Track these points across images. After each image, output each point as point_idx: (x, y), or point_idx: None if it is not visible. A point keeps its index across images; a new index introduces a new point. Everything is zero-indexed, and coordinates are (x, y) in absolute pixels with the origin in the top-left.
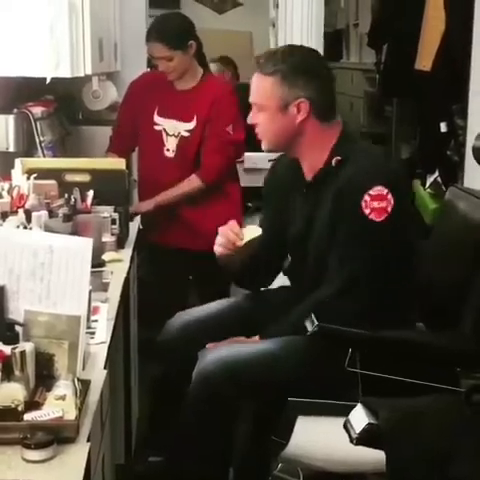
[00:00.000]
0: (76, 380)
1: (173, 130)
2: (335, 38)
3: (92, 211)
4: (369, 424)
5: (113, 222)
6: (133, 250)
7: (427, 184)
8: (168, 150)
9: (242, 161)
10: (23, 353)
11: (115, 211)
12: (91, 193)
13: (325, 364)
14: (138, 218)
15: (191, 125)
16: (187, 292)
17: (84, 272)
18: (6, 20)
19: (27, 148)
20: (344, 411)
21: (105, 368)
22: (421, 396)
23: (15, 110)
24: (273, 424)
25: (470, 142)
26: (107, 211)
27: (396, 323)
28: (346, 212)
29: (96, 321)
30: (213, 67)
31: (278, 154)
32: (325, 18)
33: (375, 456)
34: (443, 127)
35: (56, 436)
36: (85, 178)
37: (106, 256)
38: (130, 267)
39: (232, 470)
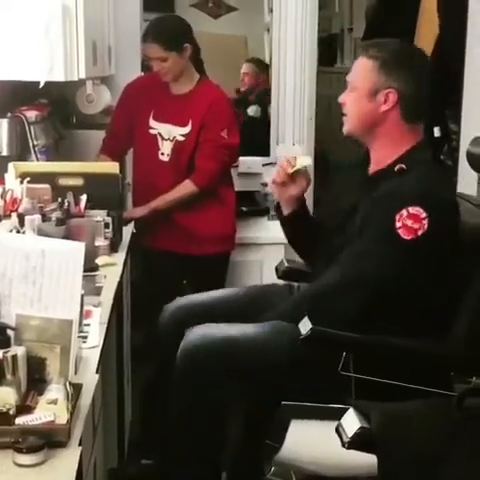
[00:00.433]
0: (68, 384)
1: (168, 134)
2: (329, 43)
3: (85, 215)
4: (361, 428)
5: (106, 226)
6: (126, 254)
7: None
8: (163, 154)
9: (237, 166)
10: (15, 357)
11: (108, 215)
12: (84, 197)
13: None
14: (132, 222)
15: (186, 129)
16: (181, 296)
17: (76, 276)
18: (0, 24)
19: (21, 152)
20: (337, 415)
21: (97, 372)
22: (413, 400)
23: (9, 114)
24: (265, 427)
25: (464, 147)
26: (100, 215)
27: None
28: (379, 217)
29: (89, 325)
30: (246, 68)
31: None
32: (319, 23)
33: (368, 460)
34: (436, 132)
35: (48, 440)
36: (78, 182)
37: (99, 260)
38: (123, 271)
39: (225, 473)
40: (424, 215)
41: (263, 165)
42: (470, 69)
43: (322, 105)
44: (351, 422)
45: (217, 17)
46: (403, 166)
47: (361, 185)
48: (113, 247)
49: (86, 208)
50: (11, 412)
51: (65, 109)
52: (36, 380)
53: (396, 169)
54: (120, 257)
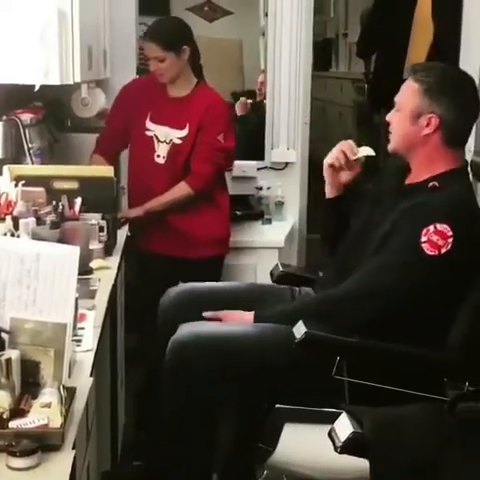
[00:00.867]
0: (62, 388)
1: (165, 137)
2: (324, 47)
3: (80, 218)
4: (354, 433)
5: (101, 229)
6: (121, 257)
7: None
8: (158, 156)
9: (231, 170)
10: (9, 360)
11: (103, 218)
12: (79, 200)
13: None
14: (126, 226)
15: (184, 132)
16: None
17: (71, 280)
18: None
19: (15, 155)
20: (331, 419)
21: (91, 376)
22: (406, 405)
23: (4, 117)
24: (258, 430)
25: None
26: (95, 218)
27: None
28: (405, 230)
29: (83, 328)
30: (264, 77)
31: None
32: (314, 27)
33: (360, 464)
34: None
35: (41, 444)
36: (73, 185)
37: (94, 263)
38: (117, 274)
39: (216, 475)
40: (450, 234)
41: (258, 169)
42: None
43: (317, 109)
44: (344, 426)
45: (212, 21)
46: (436, 184)
47: (391, 195)
48: (107, 250)
49: (81, 211)
50: (5, 415)
51: (60, 112)
52: (30, 383)
53: (429, 186)
54: (114, 260)
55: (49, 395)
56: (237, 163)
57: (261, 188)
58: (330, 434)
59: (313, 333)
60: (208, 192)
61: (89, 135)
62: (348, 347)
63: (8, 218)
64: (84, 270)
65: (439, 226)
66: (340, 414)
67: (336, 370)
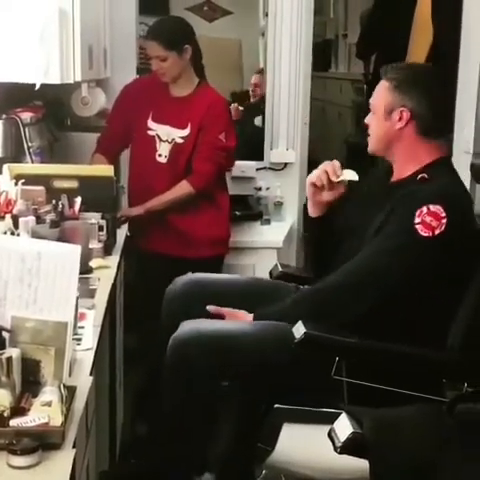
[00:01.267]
0: (62, 386)
1: (167, 136)
2: (324, 48)
3: (80, 217)
4: (353, 433)
5: (100, 229)
6: (120, 257)
7: None
8: (160, 156)
9: (230, 170)
10: (9, 359)
11: (103, 218)
12: (79, 199)
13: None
14: (126, 225)
15: (185, 132)
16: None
17: (72, 279)
18: None
19: (15, 154)
20: (330, 419)
21: (91, 375)
22: (405, 406)
23: (4, 115)
24: (257, 429)
25: (456, 154)
26: (95, 218)
27: (394, 335)
28: (398, 215)
29: (83, 327)
30: (257, 78)
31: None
32: (314, 28)
33: (360, 465)
34: None
35: (42, 442)
36: (73, 184)
37: (93, 263)
38: (117, 274)
39: (214, 475)
40: (443, 215)
41: (257, 169)
42: (463, 77)
43: (316, 110)
44: (344, 427)
45: (212, 21)
46: (425, 175)
47: (379, 196)
48: (107, 250)
49: (80, 210)
50: (5, 414)
51: (60, 111)
52: (30, 382)
53: (418, 178)
54: (114, 260)
55: (50, 394)
56: (236, 163)
57: (260, 188)
58: (330, 434)
59: (312, 333)
60: (209, 192)
61: (89, 134)
62: (347, 347)
63: (8, 217)
64: (84, 269)
65: (432, 207)
66: (339, 414)
67: (335, 370)
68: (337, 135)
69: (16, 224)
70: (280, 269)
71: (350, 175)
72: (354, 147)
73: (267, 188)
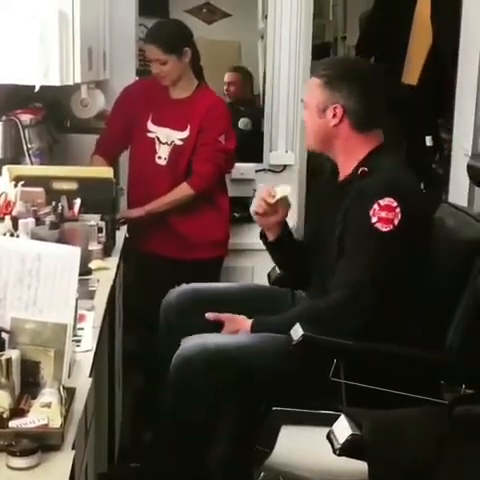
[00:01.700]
0: (61, 388)
1: (166, 138)
2: (323, 50)
3: (79, 219)
4: (352, 435)
5: (100, 230)
6: (119, 258)
7: None
8: (160, 158)
9: (230, 172)
10: (9, 360)
11: (102, 219)
12: (78, 201)
13: (307, 371)
14: (125, 227)
15: (185, 134)
16: None
17: (71, 281)
18: None
19: (15, 155)
20: (328, 421)
21: (90, 376)
22: (404, 408)
23: (3, 117)
24: (255, 431)
25: (455, 156)
26: (94, 219)
27: (393, 337)
28: (355, 219)
29: (82, 329)
30: (230, 77)
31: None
32: (313, 30)
33: (359, 467)
34: (428, 141)
35: (41, 444)
36: (72, 186)
37: (93, 264)
38: (116, 275)
39: (214, 478)
40: (396, 204)
41: (256, 171)
42: (462, 79)
43: None
44: (342, 429)
45: (211, 23)
46: (365, 169)
47: (331, 196)
48: (106, 251)
49: (80, 212)
50: (5, 415)
51: (59, 113)
52: (30, 383)
53: (359, 173)
54: (113, 261)
55: (49, 395)
56: (236, 165)
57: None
58: (329, 436)
59: (310, 335)
60: (209, 194)
61: (88, 136)
62: (344, 349)
63: (7, 218)
64: (83, 271)
65: (382, 201)
66: (337, 416)
67: (333, 372)
68: None
69: (15, 226)
70: (278, 271)
71: (283, 191)
72: None
73: None
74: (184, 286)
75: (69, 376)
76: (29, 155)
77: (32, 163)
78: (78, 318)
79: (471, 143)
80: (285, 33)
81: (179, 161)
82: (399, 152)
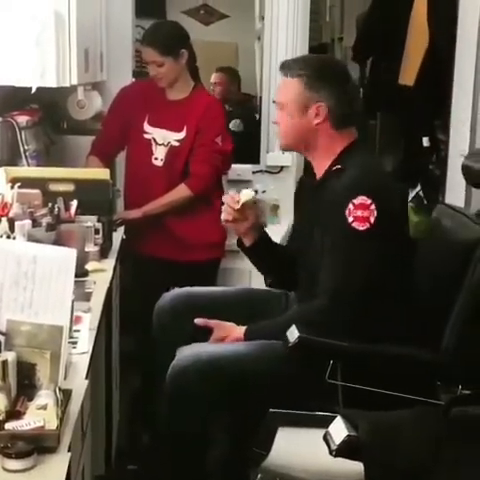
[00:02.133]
0: (58, 390)
1: (163, 139)
2: (320, 52)
3: (76, 221)
4: (348, 436)
5: (96, 232)
6: (116, 260)
7: (409, 198)
8: (156, 159)
9: (226, 173)
10: (5, 362)
11: (98, 221)
12: (75, 203)
13: (304, 375)
14: (122, 228)
15: (181, 135)
16: None
17: (67, 283)
18: None
19: (11, 157)
20: (325, 422)
21: (87, 378)
22: (400, 409)
23: (0, 119)
24: (251, 434)
25: (452, 157)
26: (91, 221)
27: (389, 338)
28: (331, 220)
29: (78, 331)
30: (217, 77)
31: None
32: (310, 32)
33: (355, 468)
34: (425, 142)
35: (37, 446)
36: (69, 188)
37: (89, 266)
38: (113, 277)
39: None
40: (369, 201)
41: (253, 173)
42: (459, 80)
43: None
44: (339, 430)
45: (208, 24)
46: (339, 166)
47: (309, 196)
48: (103, 253)
49: (76, 214)
50: (1, 417)
51: (56, 115)
52: (26, 385)
53: (334, 170)
54: (110, 263)
55: (45, 397)
56: (232, 167)
57: (256, 191)
58: (325, 437)
59: (306, 337)
60: (206, 195)
61: (85, 137)
62: (341, 350)
63: (4, 220)
64: (79, 272)
65: (355, 201)
66: (334, 418)
67: (330, 374)
68: None
69: (12, 227)
70: None
71: (246, 195)
72: None
73: (263, 191)
74: (177, 290)
75: (65, 378)
76: (26, 157)
77: (29, 165)
78: (74, 320)
79: (468, 144)
80: (282, 34)
81: (176, 162)
82: (369, 147)
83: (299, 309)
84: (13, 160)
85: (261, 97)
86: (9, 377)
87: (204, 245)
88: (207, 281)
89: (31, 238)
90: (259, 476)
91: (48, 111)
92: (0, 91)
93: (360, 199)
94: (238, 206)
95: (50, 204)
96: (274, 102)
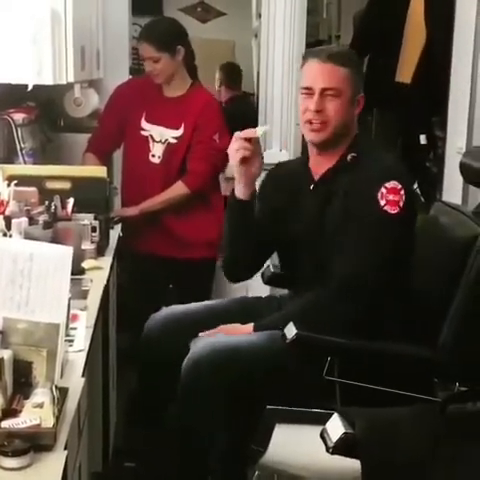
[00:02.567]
0: (54, 388)
1: (160, 136)
2: None
3: (72, 218)
4: (345, 433)
5: (93, 230)
6: (113, 258)
7: None
8: (153, 156)
9: (224, 171)
10: (1, 360)
11: (95, 219)
12: (71, 200)
13: (302, 372)
14: (119, 226)
15: (179, 132)
16: (167, 301)
17: (64, 280)
18: None
19: (8, 155)
20: (322, 419)
21: (83, 376)
22: (397, 406)
23: None
24: (250, 431)
25: (449, 154)
26: (87, 219)
27: (386, 335)
28: (361, 203)
29: (75, 329)
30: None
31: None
32: (307, 29)
33: (352, 465)
34: (422, 139)
35: (33, 444)
36: (66, 185)
37: (86, 264)
38: (110, 275)
39: (210, 477)
40: (400, 187)
41: None
42: (456, 78)
43: None
44: (336, 427)
45: (205, 22)
46: (354, 154)
47: (308, 192)
48: (100, 251)
49: (73, 211)
50: None
51: (53, 112)
52: (22, 384)
53: (349, 159)
54: (107, 261)
55: (41, 395)
56: (229, 164)
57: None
58: (322, 435)
59: (303, 334)
60: (203, 193)
61: (82, 135)
62: (338, 347)
63: (0, 218)
64: (76, 270)
65: (388, 184)
66: (331, 415)
67: (327, 371)
68: None
69: (9, 225)
70: (272, 270)
71: (262, 129)
72: None
73: None
74: (165, 310)
75: (62, 376)
76: (22, 154)
77: (25, 162)
78: (71, 318)
79: (465, 141)
80: (279, 32)
81: (173, 159)
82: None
83: (312, 297)
84: (9, 158)
85: (258, 94)
86: (5, 375)
87: (201, 243)
88: (204, 279)
89: (28, 236)
90: (256, 473)
91: (45, 109)
92: None
93: (392, 183)
94: (258, 134)
95: (47, 202)
96: (325, 89)
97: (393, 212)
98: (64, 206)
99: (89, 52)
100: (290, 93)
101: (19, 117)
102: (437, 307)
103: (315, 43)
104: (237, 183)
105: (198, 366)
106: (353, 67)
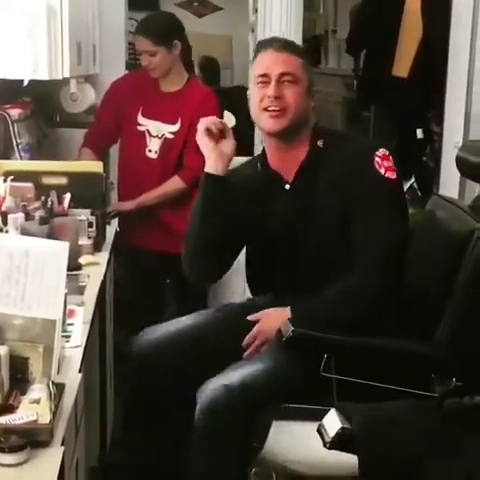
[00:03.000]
0: (51, 384)
1: (157, 131)
2: (314, 44)
3: (69, 214)
4: (342, 428)
5: (90, 225)
6: (110, 253)
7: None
8: (150, 151)
9: None
10: None
11: (92, 214)
12: (68, 196)
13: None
14: (116, 221)
15: (175, 127)
16: (164, 295)
17: (60, 276)
18: None
19: (4, 150)
20: (319, 416)
21: (80, 372)
22: (394, 401)
23: None
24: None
25: (446, 148)
26: (84, 214)
27: (383, 330)
28: (360, 179)
29: (72, 324)
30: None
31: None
32: (304, 24)
33: (349, 460)
34: (419, 133)
35: (30, 440)
36: (62, 181)
37: (83, 259)
38: (107, 270)
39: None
40: (388, 152)
41: None
42: (453, 72)
43: None
44: (333, 422)
45: (202, 16)
46: (322, 140)
47: (282, 191)
48: (96, 246)
49: (69, 207)
50: None
51: (49, 107)
52: (19, 379)
53: (321, 145)
54: (103, 256)
55: (38, 391)
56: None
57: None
58: (319, 430)
59: (300, 331)
60: (199, 187)
61: (78, 130)
62: (334, 344)
63: None
64: (73, 266)
65: (379, 152)
66: (328, 411)
67: (324, 367)
68: None
69: (5, 221)
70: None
71: (229, 119)
72: None
73: None
74: (144, 334)
75: (59, 372)
76: (18, 150)
77: (21, 158)
78: (68, 313)
79: (461, 135)
80: (275, 27)
81: (170, 154)
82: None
83: (343, 283)
84: (6, 153)
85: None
86: (2, 371)
87: None
88: None
89: (24, 232)
90: (254, 470)
91: (41, 104)
92: None
93: (381, 151)
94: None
95: (43, 197)
96: (282, 74)
97: (394, 177)
98: (60, 201)
99: (85, 47)
100: None
101: (15, 112)
102: (434, 302)
103: (312, 38)
104: (207, 159)
105: (214, 412)
106: (307, 59)
